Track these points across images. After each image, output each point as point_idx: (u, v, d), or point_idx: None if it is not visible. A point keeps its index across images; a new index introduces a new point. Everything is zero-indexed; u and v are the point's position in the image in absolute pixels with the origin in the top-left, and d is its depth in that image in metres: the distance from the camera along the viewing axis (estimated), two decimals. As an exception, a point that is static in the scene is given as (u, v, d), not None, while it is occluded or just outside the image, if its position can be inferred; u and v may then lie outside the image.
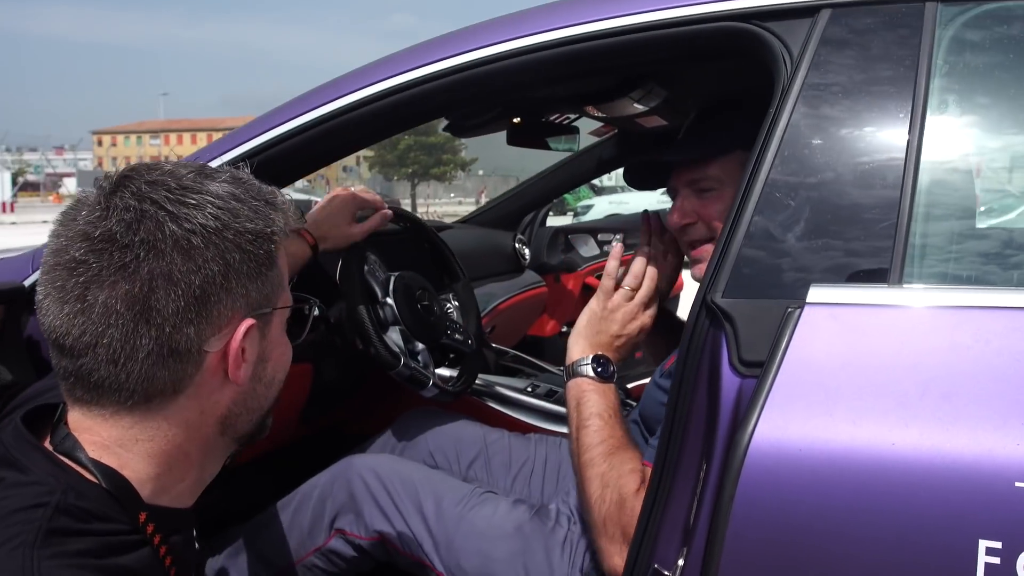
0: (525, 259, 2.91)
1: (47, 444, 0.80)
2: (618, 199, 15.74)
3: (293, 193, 30.27)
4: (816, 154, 1.01)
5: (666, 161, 1.54)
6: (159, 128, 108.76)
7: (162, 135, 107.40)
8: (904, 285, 0.92)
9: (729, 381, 0.95)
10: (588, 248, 3.51)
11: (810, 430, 0.86)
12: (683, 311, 3.47)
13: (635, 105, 1.91)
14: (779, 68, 1.06)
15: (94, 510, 0.75)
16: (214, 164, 1.35)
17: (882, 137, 0.99)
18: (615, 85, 1.76)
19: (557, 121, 2.24)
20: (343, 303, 1.63)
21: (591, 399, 1.33)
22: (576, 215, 14.83)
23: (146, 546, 0.79)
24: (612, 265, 1.44)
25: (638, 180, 1.67)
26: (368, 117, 1.32)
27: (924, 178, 0.96)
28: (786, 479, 0.86)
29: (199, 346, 0.78)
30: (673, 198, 1.50)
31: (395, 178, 45.78)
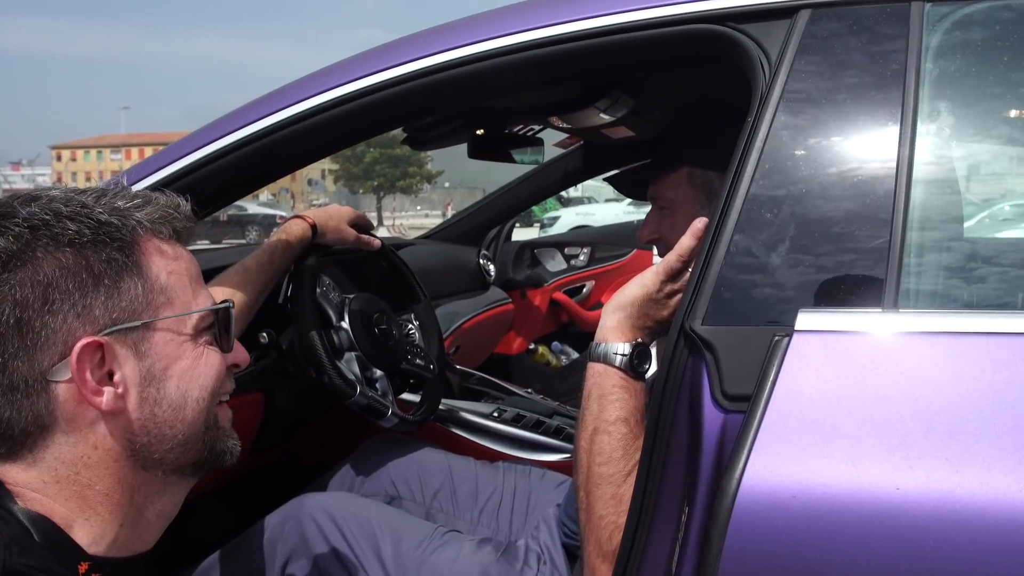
0: (490, 275, 2.82)
1: None
2: (584, 210, 15.74)
3: (257, 207, 29.95)
4: (800, 167, 0.93)
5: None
6: (120, 143, 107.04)
7: (123, 150, 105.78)
8: (900, 309, 0.84)
9: (712, 416, 0.87)
10: (555, 263, 3.43)
11: (805, 473, 0.78)
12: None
13: (601, 115, 1.84)
14: (756, 73, 0.99)
15: (39, 566, 0.70)
16: (160, 175, 1.25)
17: (871, 148, 0.92)
18: (580, 94, 1.69)
19: (520, 133, 2.16)
20: (295, 328, 1.53)
21: (619, 398, 1.08)
22: (543, 227, 14.80)
23: None
24: (688, 244, 1.08)
25: (625, 189, 1.67)
26: (316, 128, 1.22)
27: (917, 192, 0.88)
28: (780, 527, 0.77)
29: (39, 377, 0.72)
30: None
31: (360, 191, 45.55)
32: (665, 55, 1.09)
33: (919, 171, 0.89)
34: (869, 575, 0.75)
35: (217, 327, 0.83)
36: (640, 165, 2.04)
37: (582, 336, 3.35)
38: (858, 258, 0.88)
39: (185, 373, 0.79)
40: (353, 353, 1.56)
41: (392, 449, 1.68)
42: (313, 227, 1.56)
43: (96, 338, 0.73)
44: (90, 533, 0.76)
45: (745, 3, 1.01)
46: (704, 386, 0.88)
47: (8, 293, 0.71)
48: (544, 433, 1.86)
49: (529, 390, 2.14)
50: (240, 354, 0.86)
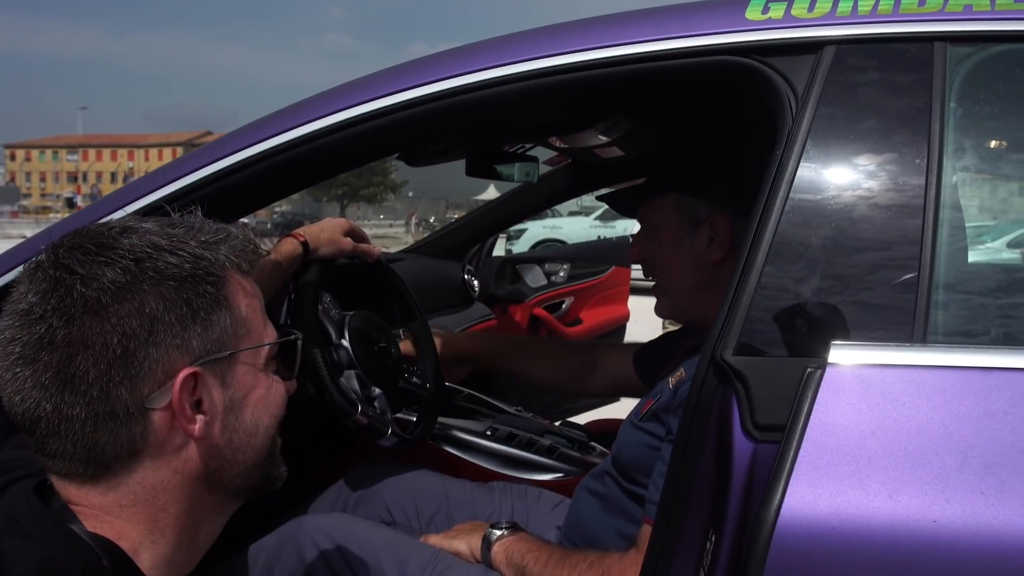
0: (475, 291, 2.81)
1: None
2: (551, 223, 15.76)
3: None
4: (829, 201, 0.94)
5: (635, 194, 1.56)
6: (77, 143, 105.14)
7: (80, 150, 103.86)
8: (929, 344, 0.86)
9: (741, 445, 0.88)
10: (535, 278, 3.43)
11: (843, 504, 0.79)
12: (632, 336, 3.37)
13: (599, 136, 1.85)
14: (783, 106, 1.00)
15: None
16: (163, 192, 1.24)
17: (898, 184, 0.94)
18: (582, 116, 1.70)
19: (515, 151, 2.16)
20: None
21: (514, 549, 1.34)
22: (509, 239, 14.81)
23: None
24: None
25: (618, 207, 1.68)
26: (334, 146, 1.21)
27: (944, 228, 0.90)
28: (818, 559, 0.78)
29: (140, 405, 0.74)
30: None
31: (324, 199, 45.21)
32: (689, 85, 1.10)
33: (946, 207, 0.91)
34: (906, 607, 0.76)
35: (282, 358, 0.87)
36: (631, 186, 2.06)
37: (561, 352, 3.35)
38: (887, 292, 0.89)
39: (259, 402, 0.83)
40: (353, 371, 1.55)
41: (385, 472, 1.66)
42: (304, 244, 1.55)
43: (194, 368, 0.76)
44: (153, 556, 0.77)
45: (772, 37, 1.02)
46: (734, 416, 0.89)
47: (117, 324, 0.73)
48: (537, 452, 1.86)
49: (519, 407, 2.13)
50: (291, 383, 0.89)
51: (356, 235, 1.69)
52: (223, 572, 1.41)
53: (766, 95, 1.02)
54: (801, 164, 0.95)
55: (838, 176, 0.95)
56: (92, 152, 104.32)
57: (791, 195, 0.94)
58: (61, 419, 0.73)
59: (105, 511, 0.76)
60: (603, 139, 1.90)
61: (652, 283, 1.52)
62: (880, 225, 0.92)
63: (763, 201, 0.95)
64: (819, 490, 0.80)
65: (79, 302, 0.72)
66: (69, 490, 0.77)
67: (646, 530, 1.16)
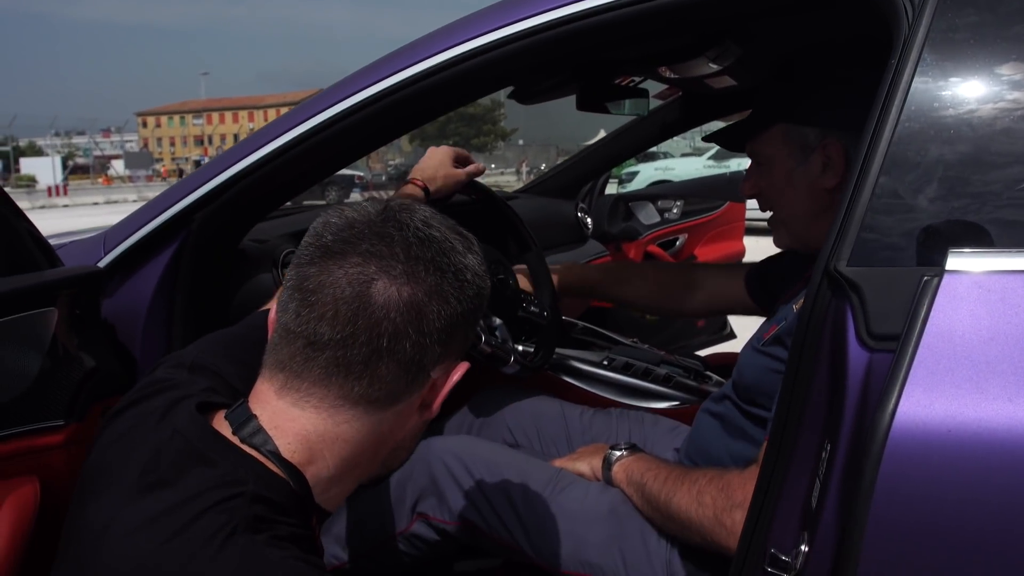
0: (588, 228, 2.84)
1: (231, 436, 0.81)
2: (663, 165, 15.44)
3: (335, 168, 30.40)
4: (947, 107, 0.92)
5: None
6: (201, 108, 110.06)
7: (204, 115, 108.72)
8: (1053, 248, 0.84)
9: (857, 355, 0.88)
10: (648, 215, 3.42)
11: (959, 408, 0.79)
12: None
13: (710, 65, 1.82)
14: (898, 13, 0.98)
15: (281, 503, 0.78)
16: (288, 137, 1.33)
17: (1021, 86, 0.90)
18: (692, 43, 1.68)
19: (626, 84, 2.15)
20: None
21: (634, 468, 1.38)
22: (621, 182, 14.63)
23: (315, 548, 0.82)
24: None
25: (727, 143, 1.67)
26: (436, 87, 1.26)
27: (1073, 129, 0.87)
28: (935, 460, 0.79)
29: (430, 365, 0.82)
30: None
31: (435, 150, 45.80)
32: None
33: (1075, 109, 0.87)
34: (1026, 507, 0.76)
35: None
36: (736, 122, 2.03)
37: (675, 289, 3.35)
38: (1007, 198, 0.87)
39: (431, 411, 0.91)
40: (473, 302, 1.61)
41: (507, 398, 1.73)
42: (424, 188, 1.62)
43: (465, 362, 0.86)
44: (325, 490, 0.84)
45: (886, -58, 0.99)
46: (849, 326, 0.89)
47: (461, 299, 0.82)
48: (653, 381, 1.90)
49: (635, 339, 2.17)
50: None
51: (461, 159, 1.75)
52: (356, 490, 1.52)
53: (880, 2, 1.00)
54: (917, 72, 0.93)
55: (956, 83, 0.93)
56: (215, 115, 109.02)
57: (907, 104, 0.92)
58: (390, 343, 0.78)
59: (320, 437, 0.81)
60: (714, 67, 1.87)
61: (767, 218, 1.51)
62: (1002, 131, 0.90)
63: (878, 110, 0.94)
64: (935, 395, 0.80)
65: (450, 267, 0.81)
66: (293, 410, 0.81)
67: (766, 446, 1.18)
